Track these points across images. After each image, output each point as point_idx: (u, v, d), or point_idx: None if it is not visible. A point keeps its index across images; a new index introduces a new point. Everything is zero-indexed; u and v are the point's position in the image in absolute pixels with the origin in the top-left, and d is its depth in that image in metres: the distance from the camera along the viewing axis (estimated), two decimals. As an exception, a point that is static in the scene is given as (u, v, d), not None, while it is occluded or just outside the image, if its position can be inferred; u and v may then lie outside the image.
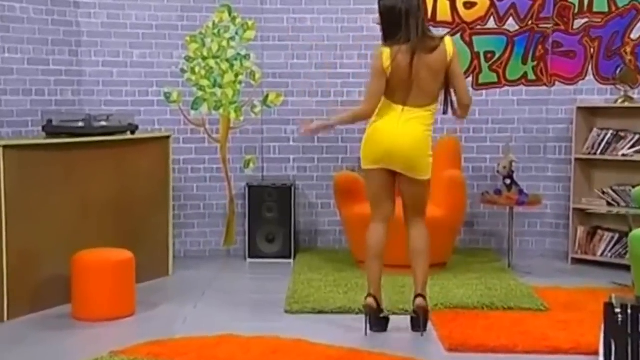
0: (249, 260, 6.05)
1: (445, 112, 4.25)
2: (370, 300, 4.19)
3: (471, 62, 5.50)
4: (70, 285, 4.59)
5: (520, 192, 5.78)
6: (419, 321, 4.18)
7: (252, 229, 6.05)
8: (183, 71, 6.04)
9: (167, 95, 6.04)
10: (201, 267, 5.88)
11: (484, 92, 6.00)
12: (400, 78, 4.08)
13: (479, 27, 5.47)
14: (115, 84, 6.03)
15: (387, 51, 4.09)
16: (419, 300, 4.19)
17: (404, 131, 4.10)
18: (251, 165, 6.22)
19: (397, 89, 4.09)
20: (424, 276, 4.23)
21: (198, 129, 6.13)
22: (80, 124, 4.99)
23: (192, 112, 6.08)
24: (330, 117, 4.49)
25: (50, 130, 4.90)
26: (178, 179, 6.07)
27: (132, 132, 5.29)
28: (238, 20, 6.07)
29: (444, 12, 5.40)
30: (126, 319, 4.55)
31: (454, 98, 4.22)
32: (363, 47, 6.14)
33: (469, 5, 5.42)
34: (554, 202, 6.23)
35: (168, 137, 5.60)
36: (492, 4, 5.44)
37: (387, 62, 4.07)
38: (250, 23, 6.09)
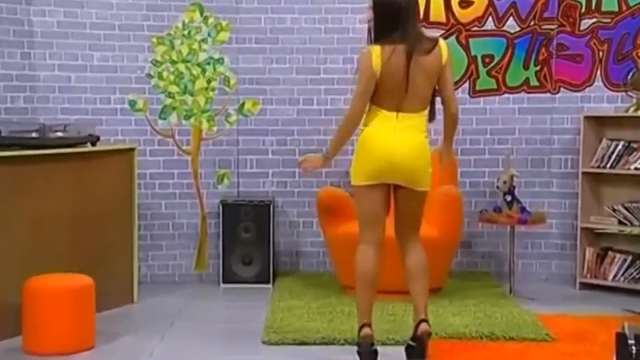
0: (223, 285, 6.04)
1: (430, 120, 4.23)
2: (368, 331, 4.12)
3: (467, 66, 5.51)
4: (21, 315, 4.51)
5: (522, 209, 5.77)
6: (419, 350, 4.14)
7: (226, 250, 6.03)
8: (149, 76, 6.02)
9: (132, 103, 6.01)
10: (170, 293, 5.85)
11: (481, 99, 6.01)
12: (393, 81, 4.04)
13: (475, 28, 5.47)
14: (73, 90, 5.98)
15: (377, 49, 4.05)
16: (424, 326, 4.14)
17: (403, 139, 4.07)
18: (225, 180, 6.20)
19: (388, 93, 4.06)
20: (426, 299, 4.20)
21: (166, 140, 6.12)
22: (34, 135, 4.95)
23: (160, 121, 6.06)
24: (323, 151, 4.32)
25: (-1, 141, 4.87)
26: (144, 195, 6.04)
27: (93, 144, 5.27)
28: (211, 21, 6.06)
29: (437, 12, 5.40)
30: (85, 352, 4.49)
31: (439, 106, 4.24)
32: (349, 50, 6.16)
33: (464, 5, 5.43)
34: (559, 221, 6.23)
35: (133, 149, 5.58)
36: (491, 3, 5.45)
37: (377, 61, 4.03)
38: (224, 24, 6.08)
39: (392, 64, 4.01)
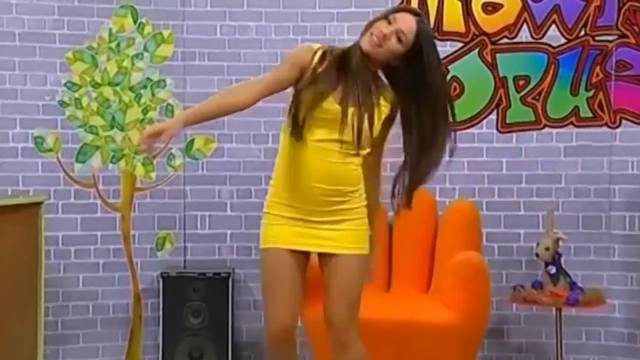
0: (163, 389, 6.09)
1: None
2: None
3: (494, 91, 5.53)
4: None
5: (572, 285, 5.70)
6: None
7: (168, 341, 6.02)
8: (63, 104, 6.04)
9: (39, 141, 6.03)
10: (88, 402, 5.77)
11: (514, 136, 6.04)
12: None
13: (505, 40, 5.50)
14: (-43, 123, 5.97)
15: None
16: None
17: None
18: (167, 245, 6.25)
19: None
20: None
21: (86, 191, 6.12)
22: None
23: (78, 165, 6.09)
24: None
25: None
26: (54, 267, 6.00)
27: (-18, 197, 5.24)
28: (148, 29, 6.16)
29: (453, 19, 5.45)
30: None
31: None
32: (334, 68, 6.10)
33: (490, 9, 5.47)
34: (624, 302, 6.16)
35: (40, 203, 5.54)
36: (525, 7, 5.48)
37: None
38: (165, 34, 6.19)
39: None
